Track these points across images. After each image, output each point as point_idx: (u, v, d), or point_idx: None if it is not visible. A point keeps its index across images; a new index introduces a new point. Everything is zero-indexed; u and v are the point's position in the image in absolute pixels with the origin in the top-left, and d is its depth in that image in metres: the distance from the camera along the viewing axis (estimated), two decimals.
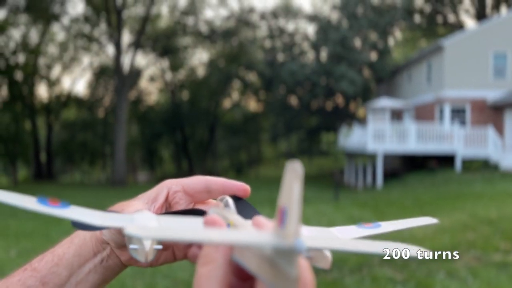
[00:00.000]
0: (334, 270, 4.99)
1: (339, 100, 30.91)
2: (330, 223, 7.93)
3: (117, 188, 26.38)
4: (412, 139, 16.90)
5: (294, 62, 27.13)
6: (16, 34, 32.86)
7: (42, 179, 36.27)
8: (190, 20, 33.65)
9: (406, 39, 36.46)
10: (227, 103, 46.22)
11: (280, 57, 31.46)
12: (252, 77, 40.59)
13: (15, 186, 26.22)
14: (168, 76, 44.20)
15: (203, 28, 33.86)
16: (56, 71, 38.99)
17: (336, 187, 13.38)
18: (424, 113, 20.98)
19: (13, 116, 28.28)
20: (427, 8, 29.91)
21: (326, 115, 32.80)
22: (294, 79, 26.04)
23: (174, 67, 42.47)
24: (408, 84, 23.65)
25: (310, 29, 41.84)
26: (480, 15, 27.61)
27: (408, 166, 20.15)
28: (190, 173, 43.27)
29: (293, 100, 32.24)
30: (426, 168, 17.65)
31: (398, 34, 33.84)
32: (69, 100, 39.54)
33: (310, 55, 30.26)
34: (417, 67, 22.36)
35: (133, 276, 5.01)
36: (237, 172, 49.94)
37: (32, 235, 8.20)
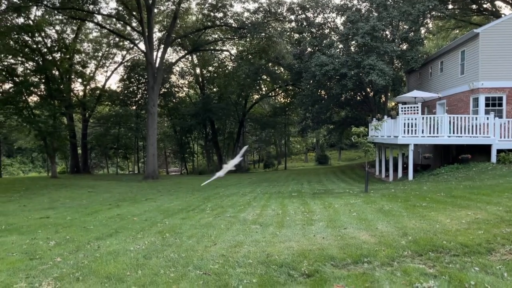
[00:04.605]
0: (364, 262, 4.99)
1: (369, 92, 30.41)
2: (360, 216, 7.89)
3: (149, 181, 26.98)
4: (445, 131, 16.47)
5: (323, 55, 26.85)
6: (52, 32, 34.00)
7: (78, 172, 37.57)
8: (218, 15, 33.81)
9: (439, 28, 35.39)
10: (255, 97, 46.30)
11: (309, 49, 31.18)
12: (280, 70, 40.46)
13: (54, 179, 27.27)
14: (198, 70, 44.64)
15: (232, 22, 33.96)
16: (90, 67, 40.13)
17: (366, 179, 13.24)
18: (457, 104, 20.39)
19: (51, 112, 29.34)
20: None
21: (355, 107, 32.35)
22: (323, 71, 25.77)
23: (204, 62, 42.84)
24: (440, 75, 23.01)
25: (339, 21, 41.25)
26: None
27: (441, 159, 19.67)
28: (220, 166, 43.64)
29: (322, 93, 31.93)
30: (460, 160, 17.18)
31: (430, 23, 32.88)
32: (103, 95, 40.64)
33: (339, 47, 29.89)
34: (450, 57, 21.70)
35: (166, 267, 5.17)
36: (266, 166, 50.08)
37: (70, 226, 8.55)
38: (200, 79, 44.33)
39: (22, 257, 5.87)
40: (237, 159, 9.74)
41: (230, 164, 11.12)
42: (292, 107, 43.46)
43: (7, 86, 29.40)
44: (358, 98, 31.65)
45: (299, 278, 4.59)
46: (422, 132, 16.77)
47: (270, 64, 39.01)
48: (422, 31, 29.65)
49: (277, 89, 44.63)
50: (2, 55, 27.18)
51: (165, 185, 22.91)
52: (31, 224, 9.01)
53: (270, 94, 46.01)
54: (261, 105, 48.63)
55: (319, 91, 31.35)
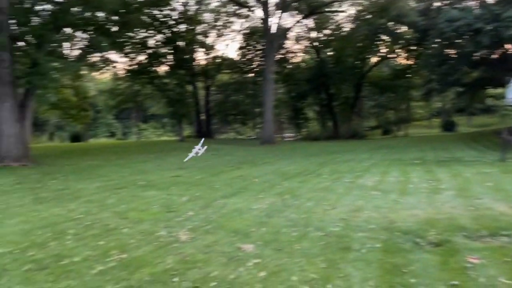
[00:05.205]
0: (501, 235, 4.54)
1: (509, 48, 26.64)
2: (496, 186, 7.14)
3: (266, 146, 27.88)
4: None
5: (453, 8, 24.13)
6: (178, 5, 36.24)
7: (202, 136, 40.52)
8: None
9: None
10: (374, 59, 44.01)
11: (437, 3, 28.28)
12: (403, 29, 37.62)
13: (182, 142, 29.86)
14: (313, 34, 43.84)
15: None
16: (211, 37, 42.11)
17: (503, 147, 11.85)
18: None
19: (178, 81, 31.79)
20: None
21: (491, 67, 28.74)
22: (453, 27, 23.22)
23: (319, 25, 41.84)
24: None
25: None
26: None
27: None
28: (334, 132, 43.11)
29: (451, 52, 28.92)
30: None
31: None
32: (223, 63, 42.56)
33: None
34: None
35: (287, 226, 5.35)
36: (384, 132, 47.92)
37: (199, 185, 9.32)
38: (316, 43, 43.53)
39: (161, 210, 6.60)
40: (200, 146, 15.53)
41: (197, 148, 16.05)
42: (415, 68, 40.37)
43: (141, 58, 32.50)
44: (495, 56, 28.00)
45: (426, 247, 4.37)
46: None
47: (391, 23, 36.44)
48: None
49: (398, 50, 41.74)
50: (137, 29, 29.90)
51: (281, 149, 23.46)
52: (165, 181, 10.03)
53: (390, 55, 43.28)
54: (380, 67, 46.05)
55: (447, 49, 28.45)
